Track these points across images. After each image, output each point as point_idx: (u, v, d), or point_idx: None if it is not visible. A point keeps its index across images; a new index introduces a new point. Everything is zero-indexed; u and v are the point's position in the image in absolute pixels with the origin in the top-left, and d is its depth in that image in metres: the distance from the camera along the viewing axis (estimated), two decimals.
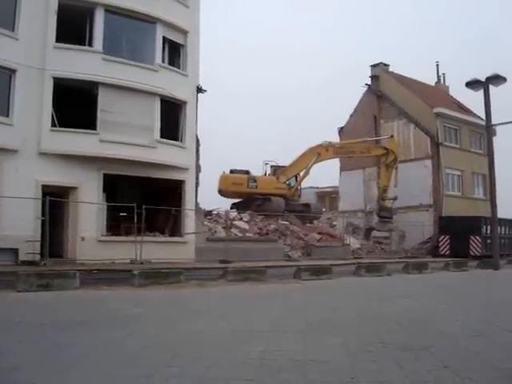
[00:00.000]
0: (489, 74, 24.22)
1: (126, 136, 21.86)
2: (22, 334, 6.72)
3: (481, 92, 24.53)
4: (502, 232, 33.69)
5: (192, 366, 5.15)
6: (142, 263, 19.50)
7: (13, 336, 6.62)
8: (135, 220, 20.56)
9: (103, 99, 21.61)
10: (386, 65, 43.11)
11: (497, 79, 24.03)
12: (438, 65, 48.26)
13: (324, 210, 39.11)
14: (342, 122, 44.06)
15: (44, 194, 19.65)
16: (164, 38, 23.90)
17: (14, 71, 19.86)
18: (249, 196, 33.29)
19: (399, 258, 30.14)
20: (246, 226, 28.92)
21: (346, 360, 5.44)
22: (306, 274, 16.48)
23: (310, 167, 34.46)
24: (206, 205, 29.99)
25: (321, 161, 35.03)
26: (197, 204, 25.61)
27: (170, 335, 6.91)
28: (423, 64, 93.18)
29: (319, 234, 31.79)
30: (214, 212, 30.78)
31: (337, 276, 17.30)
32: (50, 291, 11.63)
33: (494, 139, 27.40)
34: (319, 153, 34.38)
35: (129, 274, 13.88)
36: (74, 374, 4.82)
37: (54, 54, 20.74)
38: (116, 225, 22.46)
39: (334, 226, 37.06)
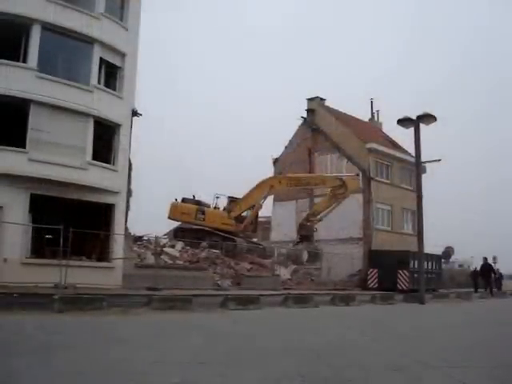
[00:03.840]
0: (420, 112, 24.94)
1: (57, 156, 21.34)
2: None
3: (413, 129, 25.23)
4: (429, 267, 34.48)
5: None
6: (66, 288, 18.85)
7: None
8: (61, 243, 19.96)
9: (35, 117, 21.06)
10: (322, 99, 43.94)
11: (427, 118, 24.72)
12: (372, 101, 49.41)
13: (261, 245, 38.58)
14: (277, 153, 44.48)
15: None
16: (101, 59, 23.57)
17: None
18: (201, 228, 33.21)
19: (328, 289, 30.33)
20: (177, 254, 28.59)
21: None
22: (234, 303, 16.33)
23: (263, 200, 34.35)
24: (154, 229, 29.68)
25: (274, 193, 34.99)
26: (126, 229, 25.17)
27: (84, 364, 6.65)
28: (359, 99, 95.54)
29: (250, 263, 31.70)
30: (144, 238, 30.34)
31: (264, 306, 17.23)
32: None
33: (424, 176, 28.15)
34: (272, 185, 34.29)
35: (50, 299, 13.41)
36: None
37: None
38: (41, 247, 21.74)
39: (269, 256, 36.87)
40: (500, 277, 40.41)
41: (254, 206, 34.11)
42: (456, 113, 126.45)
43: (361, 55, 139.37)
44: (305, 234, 35.96)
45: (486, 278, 34.23)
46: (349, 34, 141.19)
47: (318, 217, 36.10)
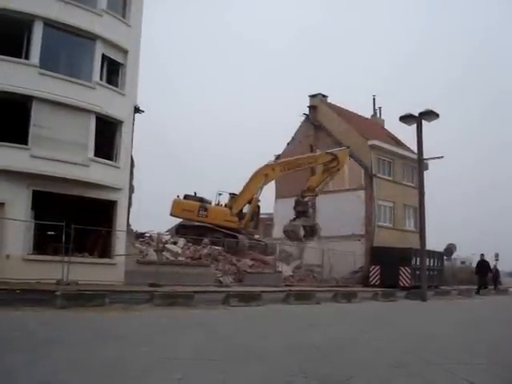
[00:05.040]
0: (422, 109, 24.93)
1: (59, 153, 21.34)
2: None
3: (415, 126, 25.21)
4: (431, 264, 34.46)
5: None
6: (68, 284, 18.91)
7: None
8: (63, 239, 20.01)
9: (37, 114, 21.04)
10: (324, 96, 43.91)
11: (429, 115, 24.72)
12: (374, 98, 49.38)
13: (263, 242, 38.41)
14: (279, 150, 44.43)
15: None
16: (103, 55, 23.53)
17: None
18: (203, 225, 33.20)
19: (329, 286, 30.35)
20: (179, 250, 28.61)
21: None
22: (235, 300, 16.36)
23: (260, 191, 34.13)
24: (156, 225, 29.66)
25: (269, 181, 34.77)
26: (128, 225, 25.17)
27: (86, 360, 6.65)
28: (361, 96, 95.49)
29: (252, 260, 31.71)
30: (146, 234, 30.34)
31: (266, 303, 17.25)
32: None
33: (426, 173, 28.07)
34: (266, 174, 34.09)
35: (52, 295, 13.45)
36: None
37: None
38: (44, 244, 21.78)
39: (270, 252, 36.80)
40: (497, 273, 39.63)
41: (252, 199, 34.01)
42: (462, 111, 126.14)
43: (366, 54, 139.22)
44: (301, 209, 35.59)
45: (482, 275, 33.38)
46: (353, 33, 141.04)
47: (315, 192, 35.74)
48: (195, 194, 35.18)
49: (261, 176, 33.83)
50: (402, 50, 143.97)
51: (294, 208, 35.61)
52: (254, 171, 34.07)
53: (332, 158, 34.79)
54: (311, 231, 35.27)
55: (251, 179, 33.82)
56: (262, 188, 34.14)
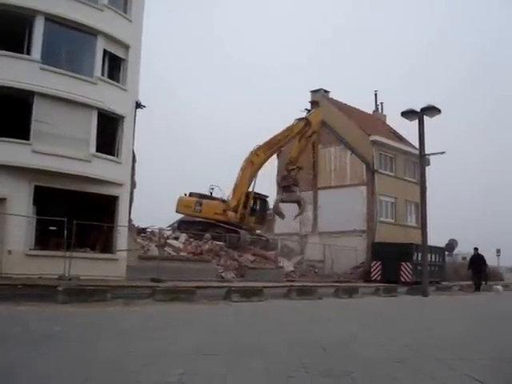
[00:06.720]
0: (424, 104, 24.88)
1: (61, 148, 21.39)
2: None
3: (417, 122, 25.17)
4: (432, 259, 34.47)
5: None
6: (70, 279, 18.95)
7: None
8: (65, 235, 20.04)
9: (38, 109, 21.11)
10: (326, 91, 43.87)
11: (431, 110, 24.67)
12: (376, 94, 49.33)
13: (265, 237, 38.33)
14: None
15: None
16: (105, 50, 23.60)
17: None
18: (204, 220, 33.53)
19: (331, 282, 30.35)
20: (180, 245, 28.66)
21: None
22: (237, 295, 16.35)
23: (254, 180, 34.18)
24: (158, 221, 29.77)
25: (258, 168, 34.70)
26: (130, 221, 25.21)
27: (85, 356, 6.65)
28: (362, 91, 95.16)
29: (253, 255, 31.75)
30: (148, 230, 30.42)
31: (268, 298, 17.26)
32: None
33: (427, 168, 28.01)
34: (252, 161, 34.19)
35: (53, 291, 13.46)
36: None
37: None
38: (45, 239, 21.82)
39: (272, 248, 36.84)
40: (485, 269, 38.27)
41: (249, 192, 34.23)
42: (468, 112, 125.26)
43: (367, 54, 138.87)
44: (285, 184, 35.82)
45: (476, 270, 32.08)
46: (354, 33, 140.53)
47: (298, 163, 35.85)
48: (211, 193, 35.54)
49: (248, 165, 34.02)
50: (403, 50, 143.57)
51: (279, 183, 36.01)
52: (241, 165, 34.20)
53: (305, 123, 35.12)
54: (299, 206, 35.68)
55: (241, 170, 34.05)
56: (253, 177, 34.19)
